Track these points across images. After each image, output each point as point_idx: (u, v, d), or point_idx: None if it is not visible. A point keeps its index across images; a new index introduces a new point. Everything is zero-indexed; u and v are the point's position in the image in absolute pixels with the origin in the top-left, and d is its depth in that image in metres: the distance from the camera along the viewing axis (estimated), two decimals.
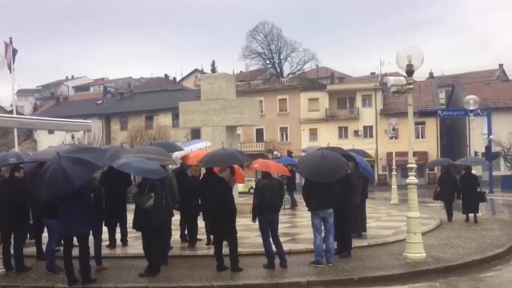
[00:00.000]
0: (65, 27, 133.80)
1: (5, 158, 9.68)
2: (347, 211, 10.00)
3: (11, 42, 23.44)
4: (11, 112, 45.07)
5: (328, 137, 43.59)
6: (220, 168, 8.98)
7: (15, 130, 25.52)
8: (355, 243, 10.65)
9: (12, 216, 8.82)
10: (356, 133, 51.07)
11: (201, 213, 11.01)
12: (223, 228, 8.69)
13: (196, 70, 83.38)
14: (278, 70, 71.43)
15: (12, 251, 9.17)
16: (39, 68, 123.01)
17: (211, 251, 10.25)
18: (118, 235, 11.21)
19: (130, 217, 9.80)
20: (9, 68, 22.77)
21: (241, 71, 74.01)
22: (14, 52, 23.50)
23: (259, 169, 9.54)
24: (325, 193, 9.05)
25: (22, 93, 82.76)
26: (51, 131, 48.97)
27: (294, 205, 19.62)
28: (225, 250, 8.98)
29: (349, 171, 9.90)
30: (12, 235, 9.13)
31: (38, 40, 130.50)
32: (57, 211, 8.06)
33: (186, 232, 11.43)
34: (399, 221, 14.90)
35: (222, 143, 11.54)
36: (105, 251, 9.99)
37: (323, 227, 9.31)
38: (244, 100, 19.10)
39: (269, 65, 72.52)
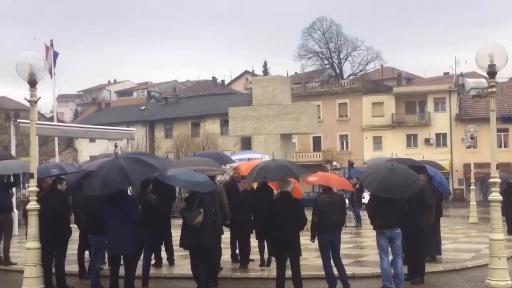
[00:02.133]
0: (107, 28, 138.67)
1: (47, 169, 10.10)
2: (419, 231, 9.79)
3: (51, 45, 24.51)
4: (51, 119, 47.05)
5: (394, 146, 42.86)
6: (283, 182, 8.97)
7: (56, 139, 26.64)
8: (429, 267, 10.41)
9: (55, 232, 9.16)
10: (427, 141, 50.00)
11: (253, 231, 11.14)
12: (291, 246, 8.63)
13: (246, 72, 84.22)
14: (338, 71, 70.98)
15: (53, 268, 9.52)
16: (80, 72, 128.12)
17: (265, 273, 10.34)
18: (163, 254, 11.43)
19: (174, 234, 10.00)
20: (50, 72, 23.76)
21: (296, 73, 74.10)
22: (55, 55, 24.55)
23: (318, 183, 9.50)
24: (393, 211, 8.89)
25: (62, 98, 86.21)
26: (92, 140, 50.67)
27: (358, 223, 19.41)
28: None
29: (422, 186, 9.70)
30: (54, 252, 9.47)
31: (79, 41, 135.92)
32: (105, 226, 8.36)
33: (237, 251, 11.51)
34: (479, 243, 14.51)
35: (273, 153, 11.53)
36: (150, 270, 10.19)
37: (390, 249, 9.16)
38: (301, 105, 19.02)
39: (328, 66, 72.20)
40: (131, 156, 8.69)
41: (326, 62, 71.95)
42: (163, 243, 11.31)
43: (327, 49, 70.52)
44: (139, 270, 9.03)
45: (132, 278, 8.57)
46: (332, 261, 9.04)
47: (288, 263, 8.81)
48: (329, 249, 9.01)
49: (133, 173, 8.01)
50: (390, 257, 9.20)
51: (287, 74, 66.61)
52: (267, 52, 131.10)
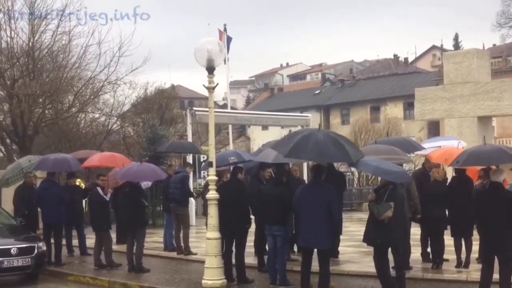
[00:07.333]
0: (280, 10, 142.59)
1: (225, 157, 10.81)
2: None
3: (225, 29, 25.92)
4: (223, 106, 49.84)
5: None
6: (495, 170, 8.58)
7: (230, 127, 28.24)
8: None
9: (235, 222, 9.77)
10: None
11: (448, 226, 10.79)
12: (502, 247, 8.24)
13: (433, 47, 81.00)
14: None
15: (233, 260, 10.16)
16: (251, 56, 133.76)
17: (463, 276, 10.01)
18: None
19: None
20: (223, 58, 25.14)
21: (494, 45, 69.33)
22: (229, 40, 25.90)
23: None
24: None
25: (234, 85, 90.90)
26: (265, 127, 52.76)
27: None
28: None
29: None
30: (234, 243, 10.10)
31: (250, 25, 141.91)
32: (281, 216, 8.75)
33: (429, 249, 11.27)
34: None
35: (484, 137, 10.99)
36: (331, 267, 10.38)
37: None
38: (503, 82, 18.33)
39: None
40: (330, 134, 8.74)
41: None
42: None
43: None
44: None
45: (327, 275, 8.82)
46: None
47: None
48: None
49: (326, 150, 8.16)
50: None
51: (484, 47, 62.57)
52: (458, 23, 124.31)
